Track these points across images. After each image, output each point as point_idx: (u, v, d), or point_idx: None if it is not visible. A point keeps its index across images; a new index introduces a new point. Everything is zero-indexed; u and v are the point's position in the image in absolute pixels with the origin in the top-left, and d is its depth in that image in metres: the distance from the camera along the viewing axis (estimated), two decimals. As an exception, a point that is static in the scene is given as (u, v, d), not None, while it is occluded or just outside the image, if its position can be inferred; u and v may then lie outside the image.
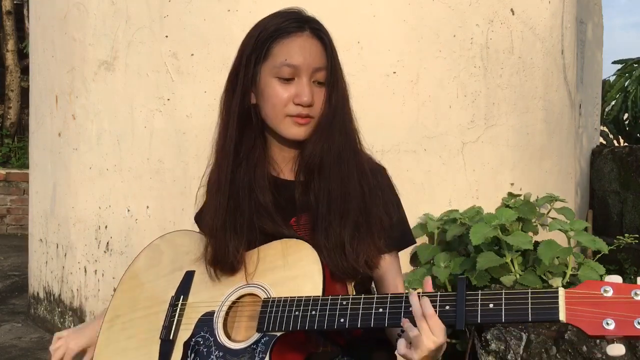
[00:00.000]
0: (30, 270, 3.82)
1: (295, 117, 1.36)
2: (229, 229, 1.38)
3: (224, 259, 1.38)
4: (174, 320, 1.42)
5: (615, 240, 2.88)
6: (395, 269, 1.49)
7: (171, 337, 1.40)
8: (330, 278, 1.33)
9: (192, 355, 1.36)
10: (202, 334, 1.37)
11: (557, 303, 1.07)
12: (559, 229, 2.57)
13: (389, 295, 1.24)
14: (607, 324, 1.03)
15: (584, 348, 2.15)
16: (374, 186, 1.43)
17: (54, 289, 3.48)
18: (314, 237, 1.38)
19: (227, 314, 1.38)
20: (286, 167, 1.47)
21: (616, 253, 3.32)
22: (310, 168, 1.40)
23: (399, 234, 1.49)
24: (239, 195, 1.39)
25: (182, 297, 1.45)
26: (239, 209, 1.39)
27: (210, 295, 1.41)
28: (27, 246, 3.91)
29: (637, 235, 2.90)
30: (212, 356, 1.34)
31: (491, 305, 1.13)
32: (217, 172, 1.43)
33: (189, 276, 1.48)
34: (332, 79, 1.39)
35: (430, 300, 1.18)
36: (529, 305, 1.10)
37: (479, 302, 1.14)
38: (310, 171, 1.40)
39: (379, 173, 1.48)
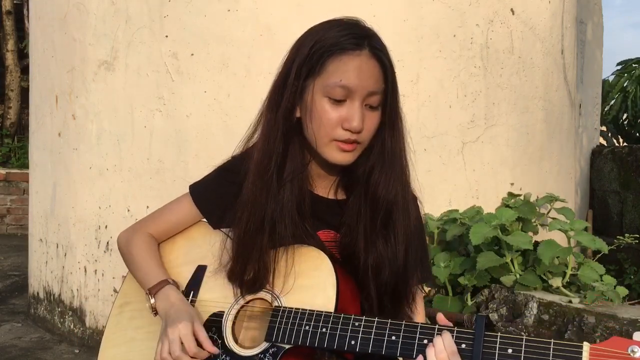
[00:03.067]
0: (30, 270, 3.82)
1: (341, 142, 1.28)
2: (266, 248, 1.32)
3: (256, 277, 1.33)
4: None
5: (615, 240, 2.88)
6: (421, 303, 1.48)
7: None
8: (343, 294, 1.29)
9: None
10: (210, 334, 1.35)
11: (580, 359, 1.04)
12: (559, 229, 2.57)
13: (403, 322, 1.20)
14: None
15: (584, 348, 2.15)
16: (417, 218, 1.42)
17: (54, 289, 3.48)
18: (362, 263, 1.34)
19: (235, 316, 1.36)
20: (321, 183, 1.41)
21: (616, 253, 3.33)
22: (383, 207, 1.34)
23: (426, 268, 1.48)
24: (281, 215, 1.31)
25: (192, 292, 1.43)
26: (280, 229, 1.32)
27: (221, 295, 1.39)
28: (27, 246, 3.91)
29: (637, 235, 2.90)
30: (218, 359, 1.33)
31: (510, 351, 1.09)
32: (254, 190, 1.32)
33: (200, 271, 1.46)
34: (392, 104, 1.32)
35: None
36: (550, 357, 1.06)
37: (497, 345, 1.11)
38: (381, 208, 1.34)
39: (415, 203, 1.45)
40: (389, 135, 1.32)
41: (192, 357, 1.29)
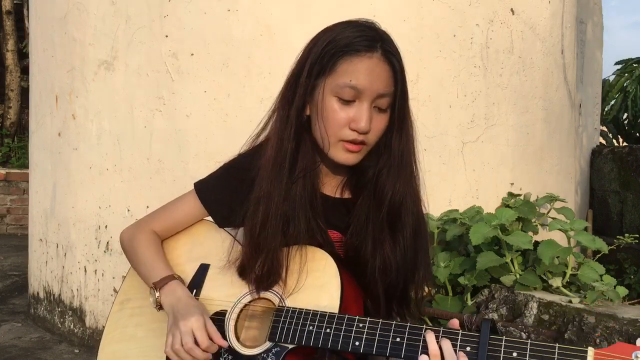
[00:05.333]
0: (30, 270, 3.82)
1: (348, 142, 1.29)
2: (279, 244, 1.31)
3: (269, 273, 1.32)
4: None
5: (615, 240, 2.88)
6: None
7: None
8: (347, 295, 1.29)
9: None
10: None
11: None
12: (559, 229, 2.57)
13: (408, 325, 1.20)
14: None
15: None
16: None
17: (54, 289, 3.48)
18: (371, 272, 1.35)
19: (238, 315, 1.36)
20: (329, 182, 1.42)
21: (616, 253, 3.33)
22: (391, 209, 1.34)
23: (428, 267, 1.48)
24: (294, 211, 1.32)
25: (194, 291, 1.43)
26: (294, 224, 1.32)
27: (224, 294, 1.39)
28: (27, 246, 3.91)
29: (637, 235, 2.90)
30: (220, 358, 1.33)
31: (515, 354, 1.09)
32: (268, 185, 1.32)
33: (203, 269, 1.45)
34: (401, 107, 1.32)
35: (451, 339, 1.14)
36: None
37: (502, 349, 1.10)
38: (389, 209, 1.34)
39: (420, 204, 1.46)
40: (397, 138, 1.33)
41: (203, 350, 1.29)
